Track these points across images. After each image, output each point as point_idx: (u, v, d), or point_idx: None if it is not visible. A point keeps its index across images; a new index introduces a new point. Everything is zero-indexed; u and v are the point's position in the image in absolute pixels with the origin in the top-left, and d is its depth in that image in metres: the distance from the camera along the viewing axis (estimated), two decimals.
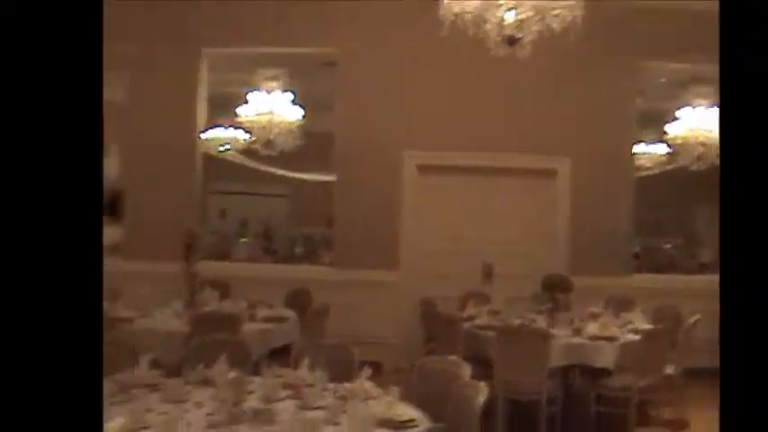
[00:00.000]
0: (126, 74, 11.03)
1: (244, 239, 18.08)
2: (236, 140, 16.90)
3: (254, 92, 10.33)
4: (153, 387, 4.98)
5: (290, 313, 8.47)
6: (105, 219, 14.42)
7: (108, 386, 4.81)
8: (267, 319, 8.08)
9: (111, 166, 20.25)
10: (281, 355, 7.77)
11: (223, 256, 14.56)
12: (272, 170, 19.16)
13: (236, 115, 10.22)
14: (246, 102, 10.18)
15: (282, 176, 19.56)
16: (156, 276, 9.52)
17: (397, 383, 5.00)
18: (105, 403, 4.44)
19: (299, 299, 9.15)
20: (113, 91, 13.21)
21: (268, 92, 10.25)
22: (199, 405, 4.73)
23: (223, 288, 9.23)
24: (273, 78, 10.25)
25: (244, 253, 16.19)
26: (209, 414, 4.52)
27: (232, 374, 5.15)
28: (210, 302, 8.45)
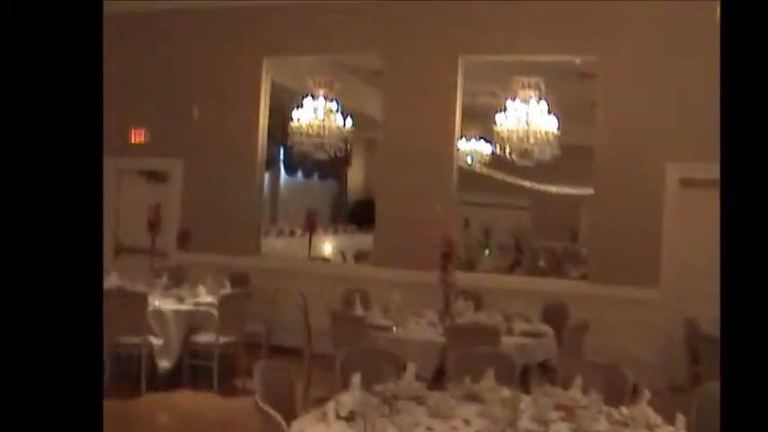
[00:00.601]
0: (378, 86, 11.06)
1: (487, 250, 17.94)
2: (477, 152, 16.84)
3: (509, 100, 10.02)
4: (418, 399, 4.76)
5: (546, 328, 8.11)
6: (349, 227, 14.59)
7: (372, 397, 4.65)
8: (525, 334, 7.75)
9: (356, 175, 20.78)
10: (538, 371, 7.49)
11: (468, 266, 14.40)
12: (517, 182, 18.95)
13: (494, 123, 9.93)
14: (504, 109, 9.88)
15: (524, 188, 19.31)
16: (405, 284, 9.42)
17: (661, 408, 4.59)
18: (374, 415, 4.28)
19: (555, 313, 8.75)
20: (370, 104, 13.41)
21: (524, 101, 9.90)
22: (467, 422, 4.47)
23: (476, 299, 8.99)
24: (531, 87, 9.88)
25: (488, 264, 16.04)
26: None
27: (505, 392, 4.89)
28: (465, 313, 8.22)
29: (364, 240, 18.24)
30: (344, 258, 15.47)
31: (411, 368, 5.01)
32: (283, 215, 17.03)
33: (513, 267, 16.15)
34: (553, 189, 19.08)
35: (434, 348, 7.17)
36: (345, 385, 5.21)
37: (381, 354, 5.69)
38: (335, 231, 18.07)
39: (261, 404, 3.98)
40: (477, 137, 16.96)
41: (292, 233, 15.90)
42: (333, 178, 19.85)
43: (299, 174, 17.96)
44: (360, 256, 15.69)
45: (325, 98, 10.29)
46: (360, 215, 20.02)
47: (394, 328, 7.62)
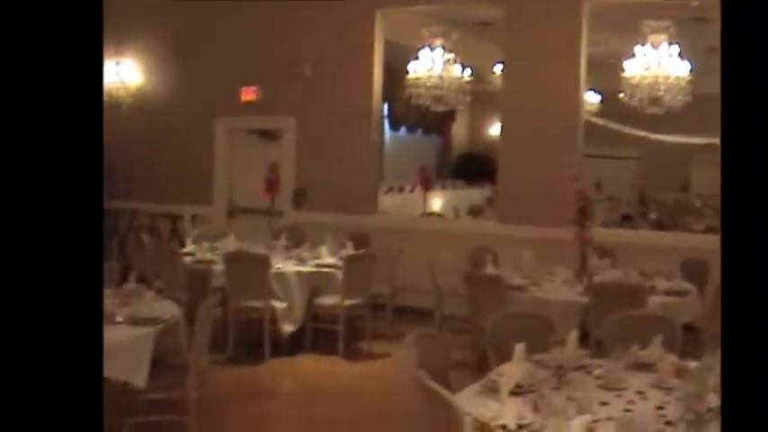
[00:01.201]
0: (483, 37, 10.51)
1: (599, 203, 17.38)
2: (585, 102, 16.25)
3: (639, 46, 9.43)
4: (584, 369, 4.39)
5: (689, 286, 7.62)
6: (456, 182, 14.16)
7: (540, 369, 4.28)
8: (669, 292, 7.29)
9: (460, 129, 20.36)
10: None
11: None
12: (626, 131, 18.31)
13: (623, 70, 9.36)
14: (634, 56, 9.32)
15: (631, 138, 18.64)
16: (530, 241, 9.04)
17: None
18: (546, 389, 3.93)
19: (694, 270, 8.21)
20: (475, 56, 12.96)
21: (654, 46, 9.32)
22: (642, 395, 4.09)
23: (609, 255, 8.53)
24: (661, 31, 9.28)
25: (601, 217, 15.48)
26: (659, 408, 3.88)
27: (674, 359, 4.50)
28: (602, 271, 7.78)
29: (472, 195, 17.87)
30: (457, 214, 15.08)
31: (574, 335, 4.63)
32: (389, 172, 16.73)
33: (643, 221, 15.57)
34: (668, 139, 18.30)
35: (574, 309, 6.78)
36: (498, 353, 4.90)
37: (532, 318, 5.32)
38: (443, 187, 17.70)
39: (426, 381, 3.65)
40: (588, 89, 16.43)
41: (401, 189, 15.60)
42: (437, 133, 19.46)
43: (403, 129, 17.60)
44: (473, 212, 15.30)
45: (443, 49, 9.84)
46: (465, 170, 19.65)
47: (530, 288, 7.25)
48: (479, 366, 6.09)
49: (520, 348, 4.17)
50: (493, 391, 3.89)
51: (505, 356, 4.50)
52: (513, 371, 3.95)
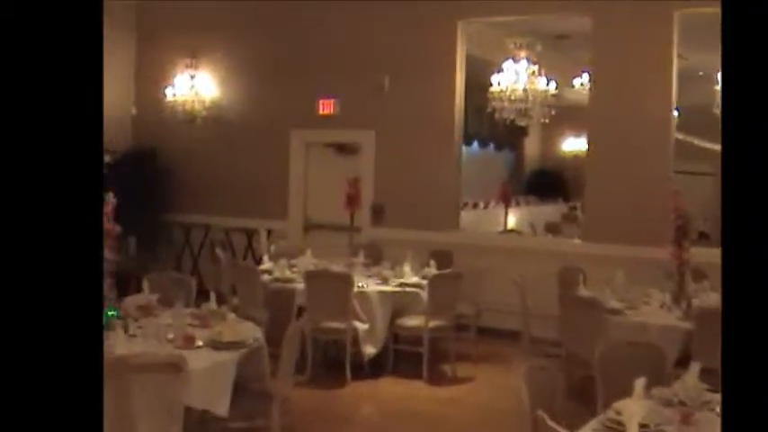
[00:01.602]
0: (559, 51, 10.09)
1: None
2: None
3: None
4: (707, 406, 4.05)
5: None
6: (529, 198, 13.70)
7: (662, 408, 3.96)
8: None
9: (532, 144, 19.98)
10: None
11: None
12: (707, 146, 17.82)
13: (716, 83, 8.97)
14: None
15: (711, 154, 18.13)
16: (619, 261, 8.63)
17: None
18: (671, 429, 3.62)
19: None
20: (551, 70, 12.63)
21: None
22: None
23: (703, 277, 8.11)
24: None
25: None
26: None
27: None
28: (700, 294, 7.38)
29: (546, 211, 17.46)
30: (534, 231, 14.70)
31: (695, 367, 4.29)
32: (463, 187, 16.41)
33: (701, 238, 15.04)
34: None
35: (676, 335, 6.40)
36: (605, 383, 4.61)
37: (641, 347, 4.98)
38: (516, 203, 17.33)
39: (547, 421, 3.35)
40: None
41: (475, 205, 15.27)
42: (509, 148, 19.14)
43: (475, 144, 17.28)
44: (550, 229, 14.92)
45: (528, 61, 9.52)
46: (538, 185, 19.31)
47: (627, 312, 6.88)
48: (578, 395, 5.79)
49: (640, 384, 3.83)
50: (613, 430, 3.60)
51: (615, 388, 4.22)
52: (633, 408, 3.64)
